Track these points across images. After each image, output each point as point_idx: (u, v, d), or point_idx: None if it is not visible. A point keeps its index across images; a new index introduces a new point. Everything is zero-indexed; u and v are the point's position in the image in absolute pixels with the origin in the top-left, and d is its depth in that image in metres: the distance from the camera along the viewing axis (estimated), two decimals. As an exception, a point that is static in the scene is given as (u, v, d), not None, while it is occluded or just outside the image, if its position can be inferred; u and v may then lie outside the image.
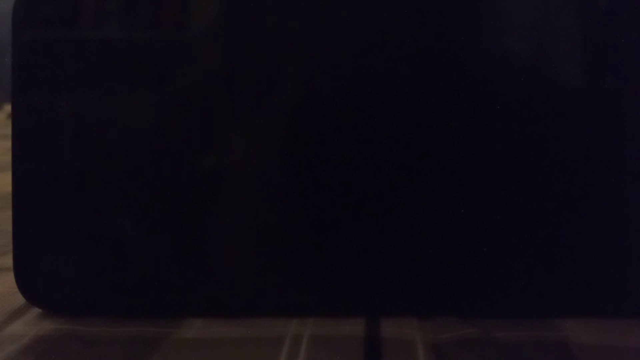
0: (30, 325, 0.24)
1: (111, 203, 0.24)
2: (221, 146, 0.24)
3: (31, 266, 0.24)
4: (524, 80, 0.24)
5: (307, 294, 0.24)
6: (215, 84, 0.24)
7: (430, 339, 0.23)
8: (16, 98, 0.24)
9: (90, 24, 0.25)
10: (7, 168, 0.25)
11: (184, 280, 0.24)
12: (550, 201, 0.24)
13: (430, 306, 0.25)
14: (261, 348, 0.22)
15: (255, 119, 0.24)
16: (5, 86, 0.25)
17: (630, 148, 0.24)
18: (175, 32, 0.25)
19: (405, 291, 0.24)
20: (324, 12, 0.24)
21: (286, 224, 0.24)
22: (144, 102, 0.24)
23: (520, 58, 0.24)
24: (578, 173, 0.24)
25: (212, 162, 0.24)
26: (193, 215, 0.24)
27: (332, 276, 0.24)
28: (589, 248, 0.24)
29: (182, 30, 0.25)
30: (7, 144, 0.25)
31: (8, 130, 0.24)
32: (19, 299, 0.25)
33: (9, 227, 0.24)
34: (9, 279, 0.25)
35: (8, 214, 0.25)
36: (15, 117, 0.24)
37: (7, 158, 0.25)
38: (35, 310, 0.25)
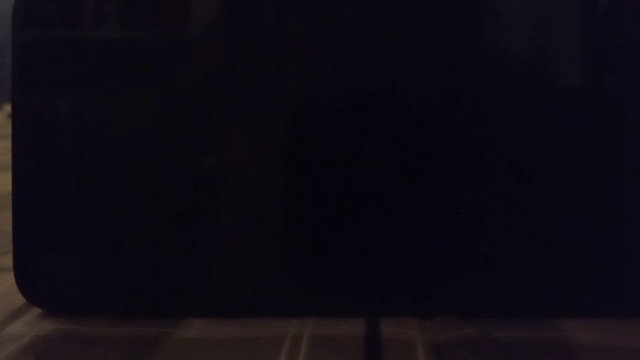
0: (30, 325, 0.24)
1: (111, 203, 0.24)
2: (221, 146, 0.24)
3: (31, 266, 0.24)
4: (524, 80, 0.24)
5: (307, 294, 0.24)
6: (215, 84, 0.24)
7: (430, 339, 0.23)
8: (16, 98, 0.24)
9: (90, 24, 0.25)
10: (7, 168, 0.25)
11: (184, 280, 0.24)
12: (550, 201, 0.24)
13: (430, 306, 0.25)
14: (261, 348, 0.22)
15: (255, 119, 0.24)
16: (5, 86, 0.25)
17: (630, 148, 0.24)
18: (175, 32, 0.25)
19: (405, 291, 0.24)
20: (324, 12, 0.24)
21: (286, 224, 0.24)
22: (144, 102, 0.24)
23: (520, 58, 0.24)
24: (578, 173, 0.24)
25: (212, 162, 0.24)
26: (193, 215, 0.24)
27: (332, 276, 0.24)
28: (589, 248, 0.24)
29: (182, 30, 0.25)
30: (7, 144, 0.25)
31: (8, 130, 0.25)
32: (19, 299, 0.25)
33: (9, 227, 0.24)
34: (9, 279, 0.25)
35: (8, 214, 0.25)
36: (15, 117, 0.24)
37: (7, 158, 0.25)
38: (35, 310, 0.25)
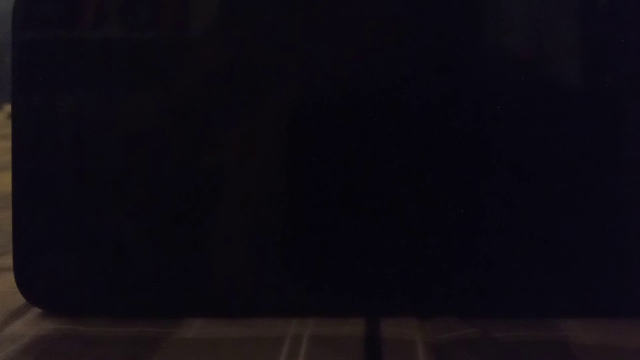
0: (30, 325, 0.24)
1: (111, 203, 0.24)
2: (221, 146, 0.24)
3: (31, 266, 0.24)
4: (524, 80, 0.24)
5: (307, 294, 0.24)
6: (215, 84, 0.24)
7: (430, 339, 0.23)
8: (16, 98, 0.24)
9: (90, 24, 0.25)
10: (7, 168, 0.25)
11: (184, 280, 0.24)
12: (550, 201, 0.24)
13: (430, 306, 0.25)
14: (261, 348, 0.22)
15: (255, 119, 0.24)
16: (5, 86, 0.25)
17: (630, 148, 0.24)
18: (175, 32, 0.25)
19: (405, 291, 0.24)
20: (324, 11, 0.24)
21: (286, 224, 0.24)
22: (144, 102, 0.24)
23: (520, 58, 0.24)
24: (578, 173, 0.24)
25: (212, 162, 0.24)
26: (193, 215, 0.24)
27: (332, 276, 0.24)
28: (589, 248, 0.24)
29: (182, 30, 0.25)
30: (7, 144, 0.25)
31: (8, 130, 0.25)
32: (19, 299, 0.25)
33: (9, 227, 0.24)
34: (9, 279, 0.25)
35: (8, 214, 0.25)
36: (15, 117, 0.24)
37: (7, 158, 0.25)
38: (35, 310, 0.25)
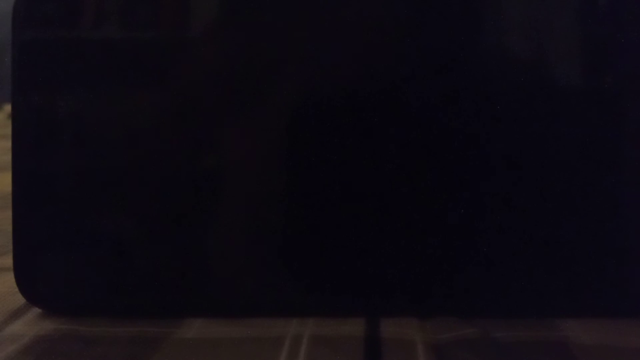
0: (30, 325, 0.24)
1: (111, 203, 0.24)
2: (221, 146, 0.24)
3: (31, 266, 0.24)
4: (524, 80, 0.24)
5: (307, 294, 0.24)
6: (215, 84, 0.24)
7: (430, 339, 0.23)
8: (16, 98, 0.24)
9: (90, 24, 0.25)
10: (7, 168, 0.25)
11: (184, 280, 0.24)
12: (550, 201, 0.24)
13: (430, 306, 0.25)
14: (261, 348, 0.22)
15: (255, 119, 0.24)
16: (5, 86, 0.25)
17: (630, 148, 0.24)
18: (175, 32, 0.25)
19: (405, 291, 0.24)
20: (324, 11, 0.24)
21: (286, 223, 0.24)
22: (144, 102, 0.24)
23: (520, 58, 0.24)
24: (578, 173, 0.24)
25: (212, 162, 0.24)
26: (193, 215, 0.24)
27: (332, 276, 0.24)
28: (589, 248, 0.24)
29: (182, 30, 0.25)
30: (7, 144, 0.25)
31: (8, 130, 0.25)
32: (19, 299, 0.25)
33: (9, 227, 0.24)
34: (9, 279, 0.25)
35: (8, 214, 0.25)
36: (15, 117, 0.24)
37: (7, 158, 0.25)
38: (35, 310, 0.25)
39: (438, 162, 0.24)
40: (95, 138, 0.24)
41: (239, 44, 0.24)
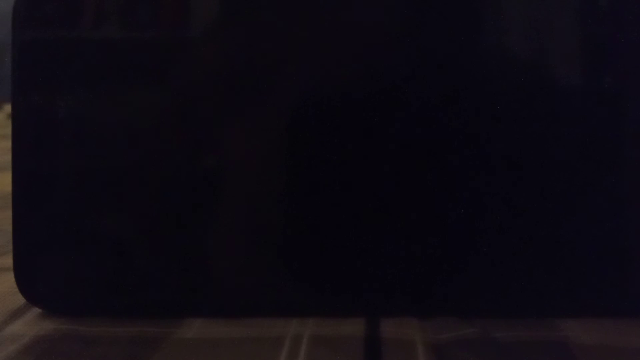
0: (30, 325, 0.24)
1: (111, 203, 0.24)
2: (221, 146, 0.24)
3: (31, 266, 0.24)
4: (524, 80, 0.24)
5: (307, 294, 0.24)
6: (215, 83, 0.24)
7: (430, 339, 0.23)
8: (16, 98, 0.24)
9: (90, 24, 0.25)
10: (7, 168, 0.25)
11: (184, 281, 0.24)
12: (550, 201, 0.24)
13: (430, 306, 0.25)
14: (261, 348, 0.22)
15: (255, 118, 0.24)
16: (5, 86, 0.25)
17: (630, 148, 0.24)
18: (175, 32, 0.25)
19: (405, 291, 0.24)
20: (325, 11, 0.24)
21: (286, 223, 0.24)
22: (144, 102, 0.24)
23: (520, 58, 0.24)
24: (578, 173, 0.24)
25: (212, 162, 0.24)
26: (193, 215, 0.24)
27: (332, 276, 0.24)
28: (589, 248, 0.24)
29: (182, 30, 0.25)
30: (7, 144, 0.25)
31: (8, 130, 0.25)
32: (19, 299, 0.25)
33: (9, 227, 0.24)
34: (9, 279, 0.25)
35: (8, 214, 0.25)
36: (15, 117, 0.24)
37: (7, 158, 0.25)
38: (35, 310, 0.25)
39: (438, 162, 0.24)
40: (95, 138, 0.24)
41: (239, 44, 0.24)
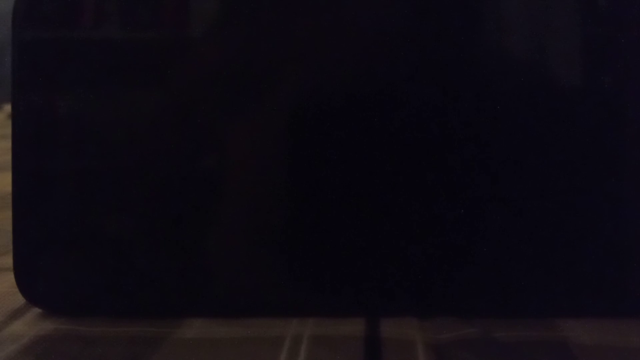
0: (30, 325, 0.24)
1: (111, 203, 0.24)
2: (221, 146, 0.24)
3: (31, 266, 0.24)
4: (524, 80, 0.24)
5: (307, 294, 0.24)
6: (215, 84, 0.24)
7: (430, 339, 0.23)
8: (16, 98, 0.24)
9: (90, 24, 0.25)
10: (7, 168, 0.25)
11: (184, 281, 0.24)
12: (551, 201, 0.24)
13: (430, 306, 0.25)
14: (261, 348, 0.22)
15: (255, 119, 0.24)
16: (5, 86, 0.25)
17: (630, 148, 0.24)
18: (176, 32, 0.25)
19: (405, 291, 0.24)
20: (325, 11, 0.24)
21: (286, 223, 0.24)
22: (144, 102, 0.24)
23: (520, 58, 0.24)
24: (578, 173, 0.24)
25: (212, 162, 0.24)
26: (193, 215, 0.24)
27: (332, 276, 0.24)
28: (589, 248, 0.24)
29: (182, 30, 0.25)
30: (7, 144, 0.25)
31: (8, 130, 0.24)
32: (19, 299, 0.25)
33: (9, 227, 0.24)
34: (9, 279, 0.25)
35: (8, 214, 0.25)
36: (15, 117, 0.24)
37: (7, 158, 0.25)
38: (35, 310, 0.25)
39: (438, 162, 0.24)
40: (95, 138, 0.24)
41: (240, 44, 0.24)
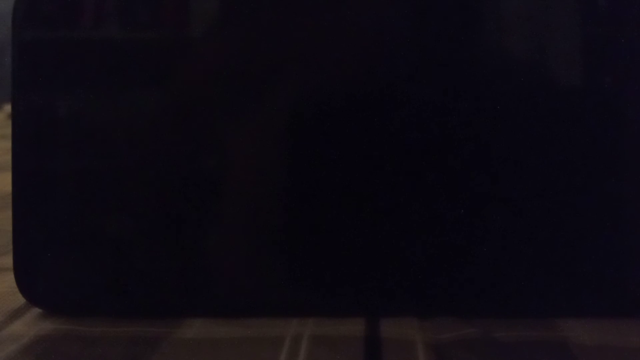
0: (30, 325, 0.24)
1: (111, 203, 0.24)
2: (221, 147, 0.24)
3: (31, 266, 0.24)
4: (524, 80, 0.24)
5: (307, 294, 0.24)
6: (215, 84, 0.24)
7: (430, 339, 0.23)
8: (16, 98, 0.24)
9: (91, 24, 0.25)
10: (7, 168, 0.25)
11: (184, 281, 0.24)
12: (550, 201, 0.24)
13: (430, 306, 0.25)
14: (261, 348, 0.22)
15: (255, 119, 0.24)
16: (5, 86, 0.25)
17: (630, 148, 0.24)
18: (176, 32, 0.25)
19: (405, 291, 0.24)
20: (325, 11, 0.24)
21: (286, 224, 0.24)
22: (144, 102, 0.24)
23: (520, 58, 0.24)
24: (578, 173, 0.24)
25: (212, 162, 0.24)
26: (193, 215, 0.24)
27: (332, 276, 0.24)
28: (589, 248, 0.24)
29: (183, 30, 0.25)
30: (7, 144, 0.25)
31: (8, 130, 0.25)
32: (19, 299, 0.25)
33: (9, 227, 0.24)
34: (9, 279, 0.25)
35: (8, 214, 0.25)
36: (15, 117, 0.24)
37: (7, 158, 0.25)
38: (35, 310, 0.25)
39: (438, 162, 0.24)
40: (95, 138, 0.24)
41: (240, 44, 0.24)
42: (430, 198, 0.24)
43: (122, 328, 0.24)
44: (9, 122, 0.24)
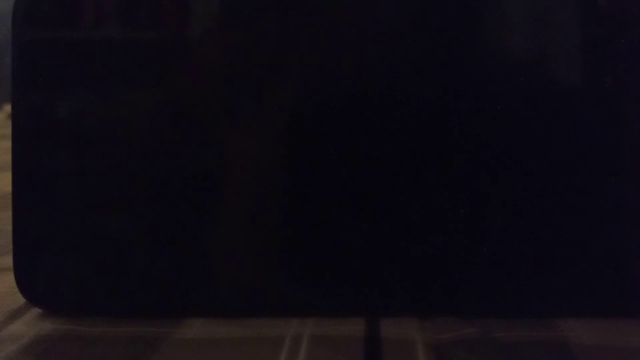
0: (30, 325, 0.24)
1: (111, 203, 0.24)
2: (221, 146, 0.24)
3: (31, 266, 0.24)
4: (524, 80, 0.24)
5: (307, 294, 0.24)
6: (215, 84, 0.24)
7: (430, 339, 0.23)
8: (16, 98, 0.24)
9: (91, 24, 0.25)
10: (7, 168, 0.25)
11: (184, 281, 0.24)
12: (551, 201, 0.24)
13: (430, 306, 0.25)
14: (261, 348, 0.22)
15: (255, 119, 0.24)
16: (5, 86, 0.25)
17: (630, 148, 0.24)
18: (176, 32, 0.25)
19: (405, 291, 0.24)
20: (325, 11, 0.24)
21: (286, 223, 0.24)
22: (144, 102, 0.24)
23: (520, 58, 0.24)
24: (578, 173, 0.24)
25: (212, 162, 0.24)
26: (193, 215, 0.24)
27: (332, 276, 0.24)
28: (589, 248, 0.24)
29: (182, 30, 0.25)
30: (7, 144, 0.25)
31: (8, 130, 0.25)
32: (19, 299, 0.25)
33: (9, 227, 0.24)
34: (9, 279, 0.25)
35: (8, 214, 0.25)
36: (15, 117, 0.24)
37: (7, 158, 0.25)
38: (35, 310, 0.25)
39: (439, 161, 0.24)
40: (95, 138, 0.24)
41: (240, 44, 0.24)
42: (430, 198, 0.24)
43: (122, 328, 0.24)
44: (9, 122, 0.24)
